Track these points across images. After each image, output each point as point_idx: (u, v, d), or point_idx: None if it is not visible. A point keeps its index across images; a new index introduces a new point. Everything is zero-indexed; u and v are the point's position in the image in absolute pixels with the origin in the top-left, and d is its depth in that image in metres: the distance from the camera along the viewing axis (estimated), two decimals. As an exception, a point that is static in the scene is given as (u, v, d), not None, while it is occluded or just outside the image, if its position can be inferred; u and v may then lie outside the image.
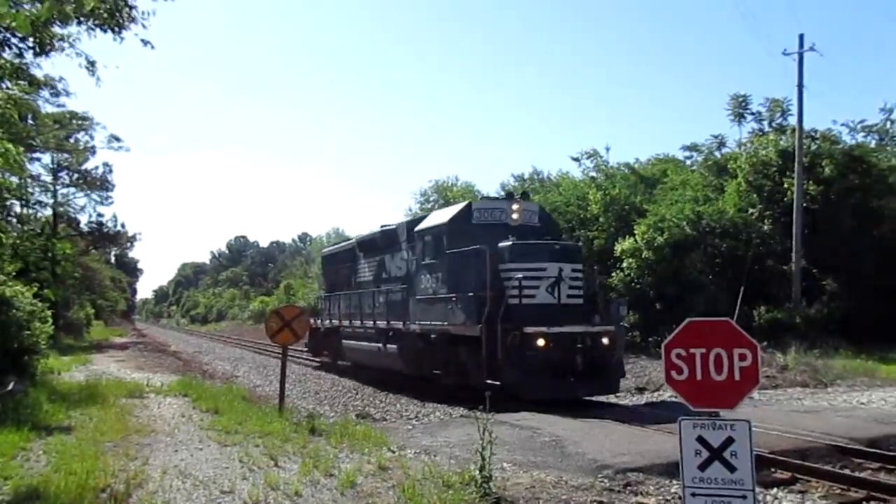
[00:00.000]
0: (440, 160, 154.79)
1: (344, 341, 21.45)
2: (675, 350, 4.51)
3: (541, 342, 12.67)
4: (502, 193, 28.47)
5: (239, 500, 6.25)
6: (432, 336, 15.39)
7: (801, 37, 25.12)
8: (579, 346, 13.07)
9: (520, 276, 13.31)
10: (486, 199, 15.78)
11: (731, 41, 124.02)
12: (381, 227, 20.20)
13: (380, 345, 18.11)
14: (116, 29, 10.50)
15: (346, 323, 21.33)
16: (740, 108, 35.11)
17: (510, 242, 14.06)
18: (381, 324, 18.05)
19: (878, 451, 9.00)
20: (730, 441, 4.31)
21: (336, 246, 25.25)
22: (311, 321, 24.66)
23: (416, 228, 16.57)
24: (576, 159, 38.46)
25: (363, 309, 19.72)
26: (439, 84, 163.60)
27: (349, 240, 23.66)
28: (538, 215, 16.17)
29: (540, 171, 43.43)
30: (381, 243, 19.40)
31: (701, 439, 4.36)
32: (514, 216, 15.46)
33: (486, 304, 13.04)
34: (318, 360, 25.70)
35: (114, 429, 9.50)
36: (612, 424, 10.56)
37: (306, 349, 26.36)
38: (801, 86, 25.14)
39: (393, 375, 18.15)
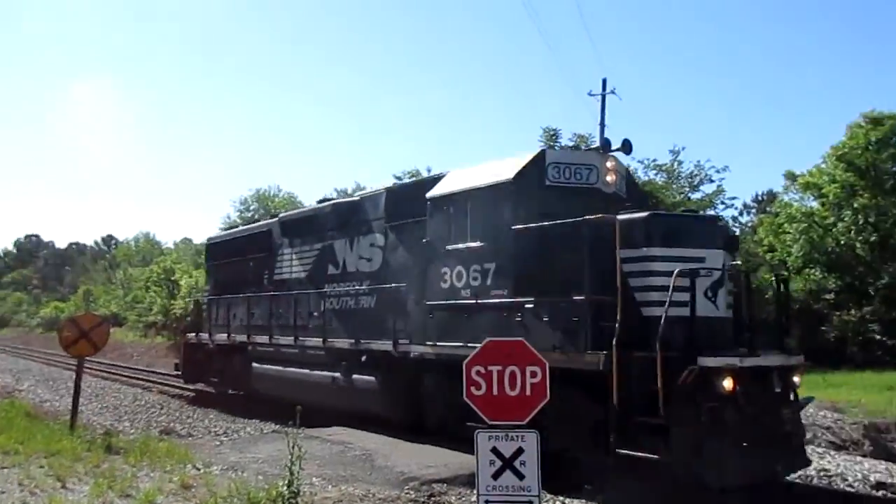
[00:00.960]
0: (260, 170, 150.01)
1: (256, 365, 15.40)
2: (475, 367, 4.87)
3: (727, 384, 7.40)
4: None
5: (18, 526, 5.77)
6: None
7: (605, 80, 27.67)
8: (777, 390, 8.19)
9: (685, 269, 7.78)
10: (562, 151, 10.51)
11: (547, 77, 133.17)
12: (331, 200, 15.35)
13: (336, 374, 12.80)
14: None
15: (259, 339, 15.34)
16: (551, 140, 37.89)
17: (645, 214, 8.61)
18: (341, 343, 12.66)
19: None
20: (520, 451, 4.73)
21: (234, 230, 19.02)
22: (193, 335, 18.86)
23: (433, 194, 10.78)
24: (398, 178, 39.38)
25: (297, 320, 14.10)
26: (255, 93, 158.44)
27: (255, 221, 18.06)
28: (626, 181, 10.83)
29: (363, 187, 43.92)
30: (328, 223, 13.86)
31: (495, 450, 4.74)
32: (609, 178, 10.11)
33: (618, 316, 7.84)
34: (192, 388, 19.05)
35: None
36: (422, 439, 10.89)
37: (176, 372, 19.52)
38: (602, 124, 27.64)
39: (351, 420, 11.87)
